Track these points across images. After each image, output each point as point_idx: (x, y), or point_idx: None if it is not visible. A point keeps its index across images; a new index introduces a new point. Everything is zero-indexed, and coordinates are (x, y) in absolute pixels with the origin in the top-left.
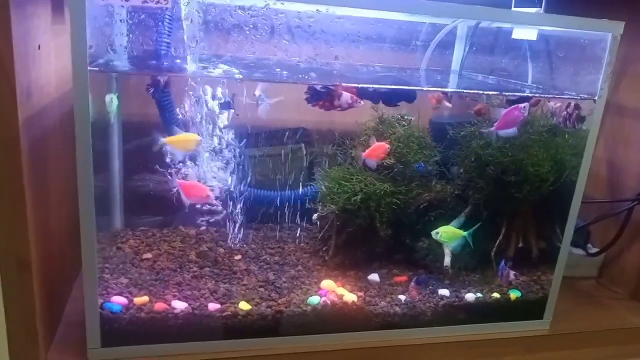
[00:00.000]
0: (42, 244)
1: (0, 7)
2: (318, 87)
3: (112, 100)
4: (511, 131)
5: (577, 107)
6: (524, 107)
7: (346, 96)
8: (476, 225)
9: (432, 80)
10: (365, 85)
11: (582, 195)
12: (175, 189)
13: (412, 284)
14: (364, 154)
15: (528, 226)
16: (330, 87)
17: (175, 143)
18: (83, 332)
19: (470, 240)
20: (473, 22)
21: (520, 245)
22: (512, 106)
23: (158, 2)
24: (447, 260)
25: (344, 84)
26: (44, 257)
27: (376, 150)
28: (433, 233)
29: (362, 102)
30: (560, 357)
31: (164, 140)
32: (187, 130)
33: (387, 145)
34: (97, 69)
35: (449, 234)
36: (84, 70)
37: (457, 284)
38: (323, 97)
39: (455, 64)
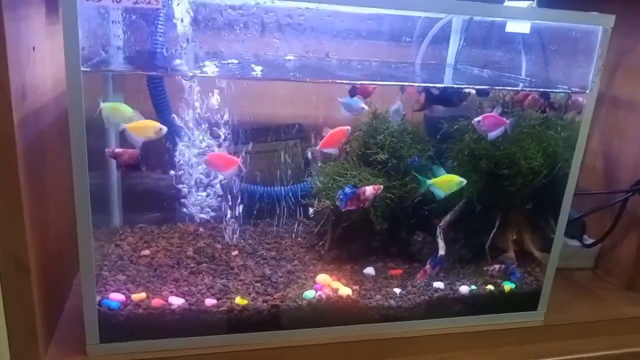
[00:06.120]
0: (41, 243)
1: None
2: (349, 192)
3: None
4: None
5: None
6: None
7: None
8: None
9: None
10: None
11: (574, 187)
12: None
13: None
14: (318, 147)
15: (522, 219)
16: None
17: (135, 130)
18: (83, 328)
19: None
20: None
21: (514, 237)
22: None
23: (149, 2)
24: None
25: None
26: (42, 256)
27: (333, 137)
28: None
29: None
30: (555, 348)
31: (123, 125)
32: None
33: (346, 128)
34: (89, 69)
35: (445, 184)
36: (77, 71)
37: (451, 276)
38: (352, 199)
39: (451, 58)
